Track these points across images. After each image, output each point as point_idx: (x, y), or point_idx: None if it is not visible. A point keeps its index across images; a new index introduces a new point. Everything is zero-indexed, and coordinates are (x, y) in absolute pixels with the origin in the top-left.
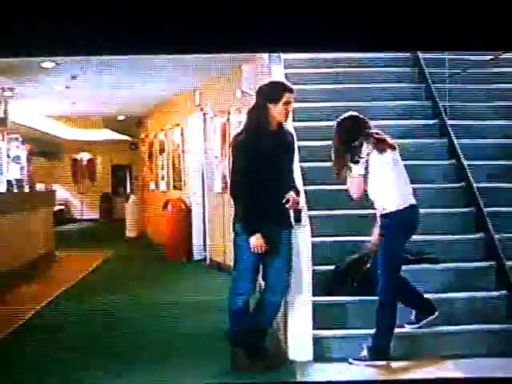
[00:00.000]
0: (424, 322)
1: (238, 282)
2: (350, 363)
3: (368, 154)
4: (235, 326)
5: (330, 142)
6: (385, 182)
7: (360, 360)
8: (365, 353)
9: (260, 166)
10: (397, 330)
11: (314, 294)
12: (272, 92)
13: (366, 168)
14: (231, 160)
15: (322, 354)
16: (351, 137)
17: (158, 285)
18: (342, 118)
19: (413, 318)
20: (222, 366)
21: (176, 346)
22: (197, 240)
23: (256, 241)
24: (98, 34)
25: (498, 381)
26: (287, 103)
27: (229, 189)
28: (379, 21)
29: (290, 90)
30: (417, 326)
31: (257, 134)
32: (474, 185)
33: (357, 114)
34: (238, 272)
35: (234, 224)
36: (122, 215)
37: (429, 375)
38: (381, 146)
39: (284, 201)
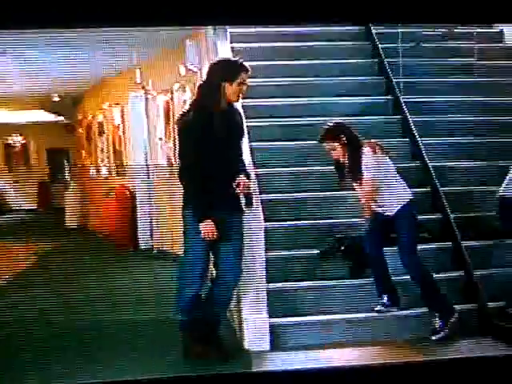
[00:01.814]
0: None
1: (187, 271)
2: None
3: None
4: (187, 315)
5: (279, 121)
6: (387, 182)
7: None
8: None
9: (209, 148)
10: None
11: (269, 281)
12: (228, 71)
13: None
14: (178, 141)
15: (279, 342)
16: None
17: (105, 276)
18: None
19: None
20: (175, 356)
21: (127, 337)
22: (142, 228)
23: (206, 227)
24: (31, 5)
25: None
26: (242, 84)
27: (177, 173)
28: None
29: (247, 70)
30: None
31: (207, 114)
32: (429, 163)
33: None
34: (187, 261)
35: (183, 210)
36: (61, 204)
37: (397, 359)
38: (372, 148)
39: (234, 185)
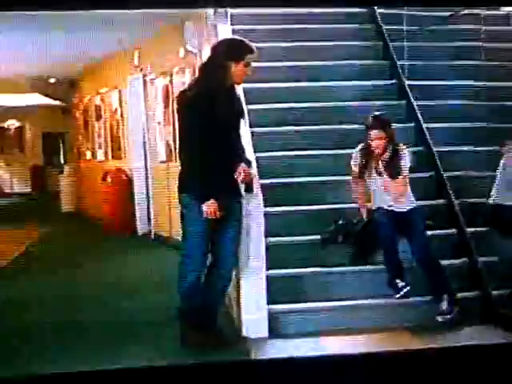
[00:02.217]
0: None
1: (188, 257)
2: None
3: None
4: (187, 302)
5: (281, 105)
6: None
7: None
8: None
9: (210, 129)
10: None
11: (269, 268)
12: (234, 50)
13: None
14: (178, 119)
15: (277, 329)
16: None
17: (103, 262)
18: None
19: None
20: (173, 343)
21: (125, 323)
22: (140, 213)
23: (210, 206)
24: None
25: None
26: (247, 65)
27: (178, 152)
28: None
29: (252, 51)
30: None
31: (210, 93)
32: (434, 149)
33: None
34: (188, 246)
35: (181, 194)
36: (56, 188)
37: (397, 346)
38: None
39: (236, 174)
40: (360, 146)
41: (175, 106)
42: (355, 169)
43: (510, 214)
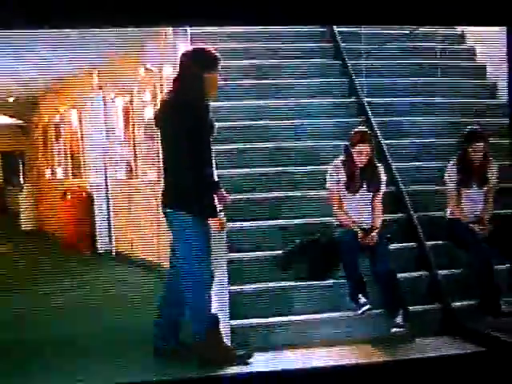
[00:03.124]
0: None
1: (196, 277)
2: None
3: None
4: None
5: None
6: None
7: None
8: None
9: (197, 142)
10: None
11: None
12: (208, 61)
13: None
14: (163, 137)
15: (240, 344)
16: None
17: (65, 280)
18: None
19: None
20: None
21: (91, 344)
22: (101, 231)
23: (219, 220)
24: None
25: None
26: (217, 74)
27: (168, 168)
28: None
29: (220, 59)
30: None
31: (191, 107)
32: (393, 165)
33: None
34: (192, 267)
35: (171, 210)
36: (16, 207)
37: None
38: None
39: (217, 200)
40: (336, 162)
41: (155, 123)
42: (331, 185)
43: (459, 228)
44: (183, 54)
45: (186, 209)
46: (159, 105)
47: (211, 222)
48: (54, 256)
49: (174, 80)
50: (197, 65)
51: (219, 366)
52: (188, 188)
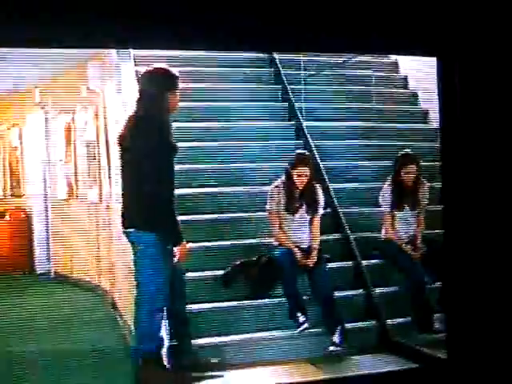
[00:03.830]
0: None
1: (156, 296)
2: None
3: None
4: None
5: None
6: None
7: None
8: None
9: (160, 162)
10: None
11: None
12: (169, 80)
13: None
14: (128, 159)
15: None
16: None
17: (6, 301)
18: None
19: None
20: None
21: (20, 369)
22: (39, 252)
23: (182, 250)
24: None
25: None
26: (176, 93)
27: (129, 188)
28: (236, 18)
29: (178, 78)
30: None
31: (158, 127)
32: (330, 186)
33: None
34: (154, 286)
35: (138, 231)
36: None
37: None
38: None
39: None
40: (276, 183)
41: (119, 142)
42: (270, 206)
43: (393, 248)
44: (144, 74)
45: (149, 228)
46: (124, 124)
47: (176, 249)
48: None
49: (136, 100)
50: (157, 84)
51: None
52: (151, 208)
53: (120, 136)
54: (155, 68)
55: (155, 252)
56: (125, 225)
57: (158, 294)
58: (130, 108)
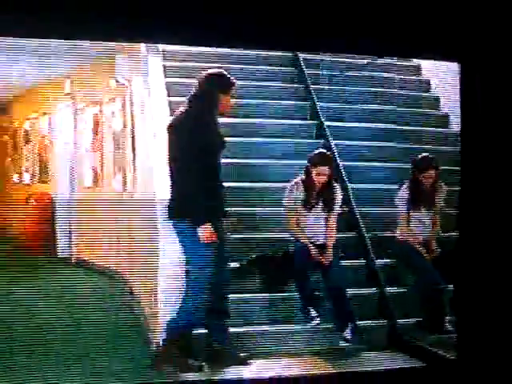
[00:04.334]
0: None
1: (197, 282)
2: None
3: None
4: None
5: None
6: None
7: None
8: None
9: (203, 155)
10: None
11: None
12: (223, 82)
13: None
14: (172, 146)
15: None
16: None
17: (28, 283)
18: None
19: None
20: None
21: (57, 348)
22: (62, 237)
23: (205, 230)
24: None
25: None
26: (232, 96)
27: (170, 176)
28: (262, 19)
29: (235, 84)
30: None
31: (203, 121)
32: (349, 186)
33: None
34: (196, 272)
35: (175, 220)
36: None
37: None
38: None
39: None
40: (296, 180)
41: (170, 131)
42: (288, 201)
43: (408, 249)
44: (203, 76)
45: (188, 217)
46: (174, 117)
47: (200, 229)
48: (17, 260)
49: (191, 98)
50: (211, 85)
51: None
52: (194, 199)
53: (170, 124)
54: (214, 71)
55: (187, 240)
56: (170, 215)
57: (204, 279)
58: (178, 105)
